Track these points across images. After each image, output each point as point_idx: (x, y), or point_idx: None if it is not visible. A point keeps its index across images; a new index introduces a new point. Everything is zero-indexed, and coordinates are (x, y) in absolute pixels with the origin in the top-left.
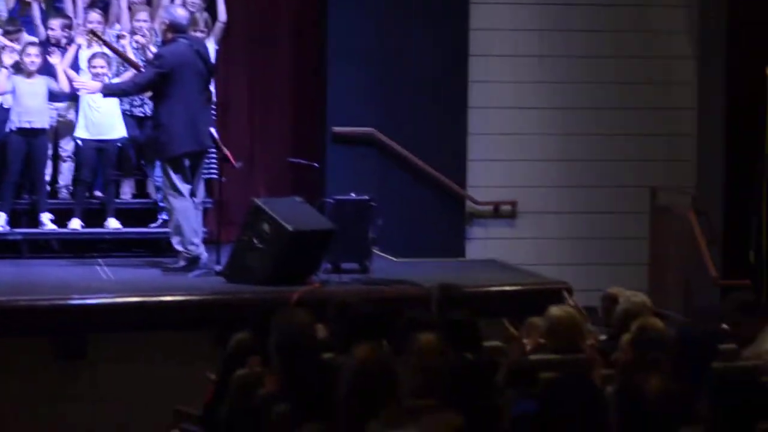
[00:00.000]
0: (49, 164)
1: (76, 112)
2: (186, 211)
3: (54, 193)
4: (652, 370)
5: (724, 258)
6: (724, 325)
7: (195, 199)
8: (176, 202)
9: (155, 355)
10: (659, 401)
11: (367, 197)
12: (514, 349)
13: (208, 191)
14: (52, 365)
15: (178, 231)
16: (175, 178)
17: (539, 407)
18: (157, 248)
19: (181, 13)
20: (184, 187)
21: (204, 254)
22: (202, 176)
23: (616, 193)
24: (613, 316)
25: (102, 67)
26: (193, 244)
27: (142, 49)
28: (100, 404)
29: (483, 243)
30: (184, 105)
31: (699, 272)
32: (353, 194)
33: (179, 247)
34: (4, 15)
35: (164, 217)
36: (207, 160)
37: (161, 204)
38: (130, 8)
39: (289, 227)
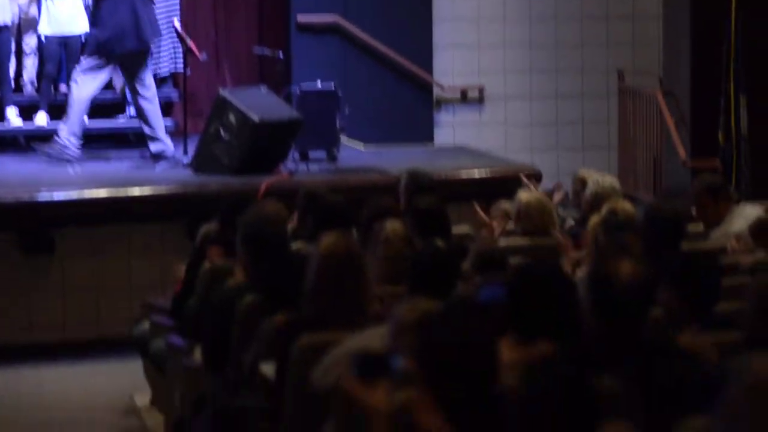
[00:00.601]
0: (13, 60)
1: (38, 7)
2: (81, 104)
3: (19, 89)
4: (623, 254)
5: (692, 139)
6: (693, 207)
7: (148, 94)
8: (77, 91)
9: (124, 249)
10: (630, 286)
11: (333, 86)
12: (483, 234)
13: (174, 83)
14: (21, 260)
15: (66, 119)
16: (90, 66)
17: (508, 293)
18: (125, 141)
19: None
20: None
21: (170, 147)
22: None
23: (583, 76)
24: (583, 199)
25: None
26: (75, 135)
27: None
28: (70, 298)
29: (451, 129)
30: (126, 2)
31: (668, 154)
32: (319, 83)
33: (60, 132)
34: None
35: (131, 112)
36: (174, 51)
37: (129, 98)
38: None
39: (255, 117)
